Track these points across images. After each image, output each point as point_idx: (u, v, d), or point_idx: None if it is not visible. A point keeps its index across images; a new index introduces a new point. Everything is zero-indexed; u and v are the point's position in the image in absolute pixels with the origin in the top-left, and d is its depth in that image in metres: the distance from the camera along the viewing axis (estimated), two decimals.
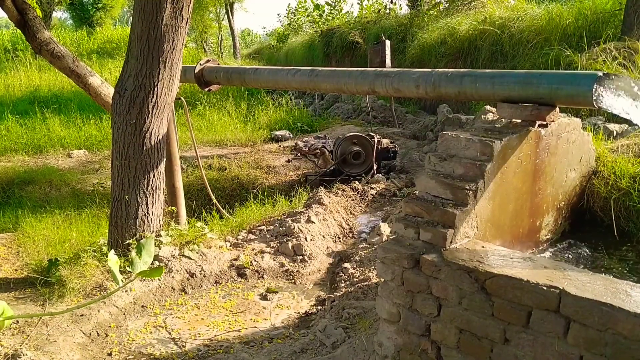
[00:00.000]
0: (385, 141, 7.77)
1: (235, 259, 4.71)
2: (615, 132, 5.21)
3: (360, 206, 6.05)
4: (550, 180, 3.32)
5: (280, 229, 5.14)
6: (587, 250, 3.37)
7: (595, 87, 2.78)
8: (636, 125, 2.84)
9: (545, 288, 2.24)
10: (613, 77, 2.86)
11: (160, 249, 4.60)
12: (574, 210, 3.66)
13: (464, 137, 2.91)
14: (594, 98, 2.79)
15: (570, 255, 3.30)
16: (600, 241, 3.52)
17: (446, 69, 3.64)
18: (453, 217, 2.68)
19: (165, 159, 4.97)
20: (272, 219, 5.63)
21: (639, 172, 3.58)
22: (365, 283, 4.01)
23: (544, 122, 3.13)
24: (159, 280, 4.35)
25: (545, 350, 2.26)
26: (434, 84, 3.56)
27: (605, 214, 3.63)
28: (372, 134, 7.72)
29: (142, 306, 4.15)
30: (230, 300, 4.25)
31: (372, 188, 6.44)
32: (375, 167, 7.32)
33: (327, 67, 4.98)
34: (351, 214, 5.84)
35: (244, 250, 4.88)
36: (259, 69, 5.38)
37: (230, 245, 5.05)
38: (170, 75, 4.59)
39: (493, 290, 2.39)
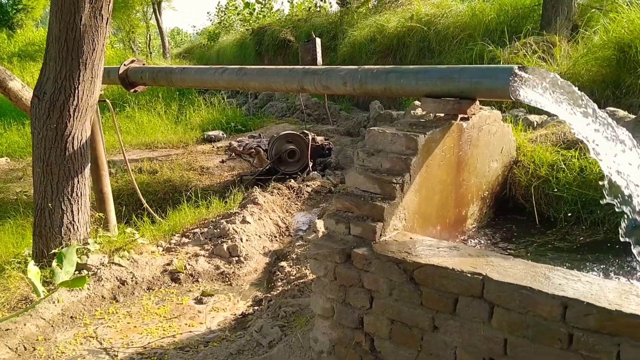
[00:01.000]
0: (319, 138, 7.82)
1: (169, 264, 4.61)
2: (535, 123, 5.46)
3: (296, 204, 6.06)
4: (473, 171, 3.44)
5: (215, 230, 5.07)
6: (510, 237, 3.52)
7: (511, 81, 2.90)
8: (554, 115, 2.98)
9: (469, 275, 2.32)
10: (528, 70, 2.98)
11: (88, 257, 4.44)
12: (497, 199, 3.81)
13: (390, 133, 2.96)
14: (511, 91, 2.90)
15: (494, 242, 3.43)
16: (522, 227, 3.68)
17: (372, 66, 3.70)
18: (382, 211, 2.73)
19: (90, 164, 4.80)
20: (206, 221, 5.55)
21: (556, 161, 3.77)
22: (302, 280, 4.02)
23: (466, 116, 3.24)
24: (88, 289, 4.19)
25: (472, 335, 2.34)
26: (360, 81, 3.61)
27: (526, 201, 3.80)
28: (307, 132, 7.75)
29: (71, 317, 3.99)
30: (164, 306, 4.15)
31: (307, 186, 6.46)
32: (310, 165, 7.35)
33: (258, 66, 4.95)
34: (287, 212, 5.84)
35: (177, 255, 4.78)
36: (186, 68, 5.28)
37: (163, 250, 4.93)
38: (92, 77, 4.43)
39: (421, 279, 2.46)
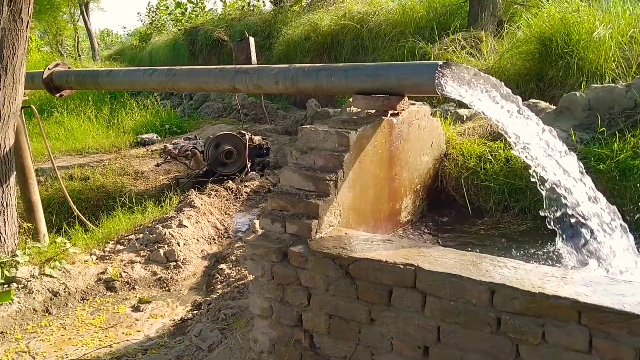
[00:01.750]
0: (257, 138, 7.78)
1: (103, 272, 4.47)
2: (465, 117, 5.63)
3: (235, 205, 6.01)
4: (405, 166, 3.52)
5: (151, 236, 4.96)
6: (443, 227, 3.63)
7: (436, 76, 2.98)
8: (479, 109, 3.09)
9: (402, 267, 2.37)
10: (452, 65, 3.08)
11: (17, 269, 4.24)
12: (430, 192, 3.92)
13: (322, 130, 2.99)
14: (436, 86, 2.99)
15: (428, 233, 3.52)
16: (454, 217, 3.80)
17: (303, 65, 3.72)
18: (316, 208, 2.75)
19: (16, 173, 4.59)
20: (142, 226, 5.41)
21: (484, 152, 3.91)
22: (242, 282, 3.99)
23: (396, 111, 3.31)
24: (19, 303, 4.01)
25: (407, 325, 2.40)
26: (292, 80, 3.62)
27: (457, 192, 3.92)
28: (244, 132, 7.69)
29: (1, 332, 3.81)
30: (99, 315, 4.03)
31: (246, 186, 6.42)
32: (248, 165, 7.31)
33: (191, 66, 4.86)
34: (226, 214, 5.79)
35: (112, 262, 4.65)
36: (113, 70, 5.13)
37: (97, 259, 4.78)
38: (14, 83, 4.23)
39: (356, 274, 2.49)
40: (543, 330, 2.10)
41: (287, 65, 3.73)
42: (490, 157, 3.82)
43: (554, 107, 4.26)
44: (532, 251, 3.13)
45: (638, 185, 3.38)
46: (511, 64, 7.18)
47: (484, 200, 3.77)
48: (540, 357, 2.12)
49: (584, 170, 2.99)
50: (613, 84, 4.13)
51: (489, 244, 3.30)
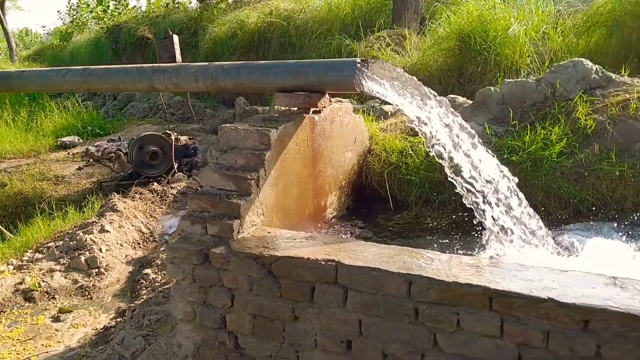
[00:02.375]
0: (183, 138, 7.60)
1: (21, 283, 4.25)
2: (389, 113, 5.74)
3: (161, 208, 5.85)
4: (329, 162, 3.55)
5: (71, 243, 4.75)
6: (368, 222, 3.69)
7: (355, 73, 3.02)
8: (396, 105, 3.16)
9: (323, 263, 2.39)
10: (371, 62, 3.12)
11: None
12: (355, 187, 3.97)
13: (242, 129, 2.96)
14: (355, 83, 3.03)
15: (353, 229, 3.57)
16: (379, 212, 3.88)
17: (223, 62, 3.67)
18: (238, 208, 2.72)
19: None
20: (62, 233, 5.17)
21: (405, 147, 4.00)
22: (167, 286, 3.89)
23: (318, 109, 3.33)
24: None
25: (330, 321, 2.42)
26: (212, 78, 3.56)
27: (381, 187, 4.00)
28: (169, 132, 7.50)
29: None
30: (17, 328, 3.82)
31: (172, 188, 6.26)
32: (175, 166, 7.13)
33: (112, 65, 4.68)
34: (152, 217, 5.62)
35: (30, 272, 4.42)
36: (26, 71, 4.88)
37: (14, 269, 4.53)
38: None
39: (279, 272, 2.49)
40: (458, 318, 2.18)
41: (206, 64, 3.67)
42: (411, 152, 3.92)
43: (471, 102, 4.42)
44: (450, 242, 3.24)
45: (548, 174, 3.57)
46: (433, 61, 7.37)
47: (406, 194, 3.86)
48: (456, 343, 2.20)
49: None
50: (525, 79, 4.33)
51: (410, 236, 3.39)
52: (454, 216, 3.58)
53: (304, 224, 3.29)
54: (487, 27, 6.63)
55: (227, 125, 3.03)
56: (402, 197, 3.92)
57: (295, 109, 3.30)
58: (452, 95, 4.81)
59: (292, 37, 10.32)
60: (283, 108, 3.45)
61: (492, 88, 4.34)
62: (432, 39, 7.83)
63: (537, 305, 2.04)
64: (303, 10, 10.52)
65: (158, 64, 3.95)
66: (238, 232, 2.71)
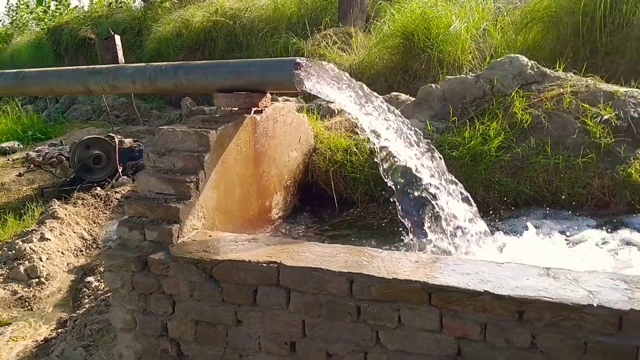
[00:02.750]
0: (127, 140, 7.41)
1: None
2: (335, 111, 5.76)
3: (104, 213, 5.68)
4: (273, 163, 3.52)
5: (10, 252, 4.55)
6: (314, 221, 3.68)
7: (295, 73, 3.00)
8: (338, 104, 3.16)
9: (265, 265, 2.37)
10: (311, 62, 3.11)
11: None
12: (301, 187, 3.96)
13: (180, 131, 2.90)
14: (296, 82, 3.01)
15: (299, 229, 3.55)
16: (325, 211, 3.88)
17: (161, 63, 3.58)
18: (177, 212, 2.66)
19: None
20: (0, 243, 4.96)
21: (349, 145, 4.01)
22: (110, 294, 3.78)
23: (259, 108, 3.30)
24: None
25: (273, 323, 2.40)
26: (150, 79, 3.47)
27: (327, 185, 3.99)
28: (113, 135, 7.30)
29: None
30: None
31: (117, 192, 6.09)
32: (120, 170, 6.95)
33: (54, 67, 4.49)
34: (95, 223, 5.46)
35: None
36: None
37: None
38: None
39: (220, 276, 2.45)
40: (399, 314, 2.19)
41: (144, 64, 3.57)
42: (355, 150, 3.93)
43: (414, 99, 4.47)
44: (394, 238, 3.27)
45: (487, 168, 3.65)
46: (379, 58, 7.44)
47: (351, 192, 3.87)
48: (398, 339, 2.21)
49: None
50: (464, 75, 4.42)
51: (356, 234, 3.40)
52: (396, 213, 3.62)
53: (248, 226, 3.25)
54: (430, 24, 6.74)
55: (165, 127, 2.96)
56: (347, 194, 3.93)
57: (236, 109, 3.26)
58: (395, 93, 4.86)
59: (238, 36, 10.22)
60: (223, 108, 3.40)
61: (433, 85, 4.40)
62: (378, 37, 7.90)
63: (474, 298, 2.07)
64: (249, 8, 10.43)
65: (94, 66, 3.82)
66: (178, 236, 2.66)
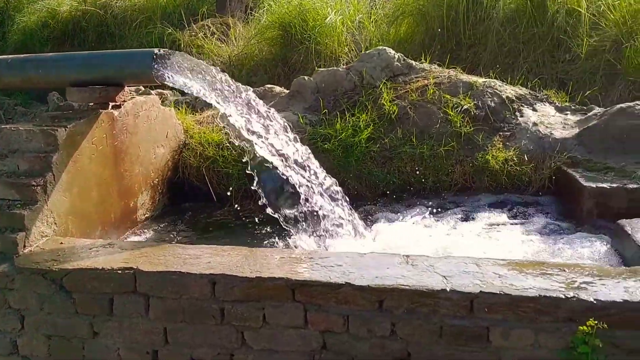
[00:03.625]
0: None
1: None
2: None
3: None
4: (137, 160, 3.33)
5: None
6: (186, 221, 3.54)
7: (154, 65, 2.84)
8: (202, 97, 3.04)
9: (120, 272, 2.23)
10: (170, 53, 2.96)
11: None
12: (171, 184, 3.79)
13: (24, 130, 2.65)
14: (155, 75, 2.85)
15: (169, 230, 3.40)
16: (198, 209, 3.74)
17: (7, 56, 3.26)
18: (22, 219, 2.43)
19: None
20: None
21: (222, 139, 3.90)
22: None
23: (117, 103, 3.10)
24: None
25: (133, 332, 2.26)
26: None
27: (200, 182, 3.85)
28: None
29: None
30: None
31: None
32: None
33: None
34: None
35: None
36: None
37: None
38: None
39: (71, 286, 2.27)
40: (264, 313, 2.15)
41: None
42: (228, 144, 3.82)
43: (287, 92, 4.44)
44: (268, 235, 3.22)
45: (358, 160, 3.71)
46: (259, 50, 7.35)
47: (225, 188, 3.75)
48: (264, 339, 2.17)
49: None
50: (336, 68, 4.45)
51: (228, 233, 3.31)
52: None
53: (110, 230, 3.05)
54: (307, 16, 6.75)
55: (7, 126, 2.71)
56: (221, 191, 3.80)
57: (92, 104, 3.03)
58: (269, 85, 4.80)
59: (110, 27, 9.66)
60: (79, 104, 3.16)
61: (306, 77, 4.40)
62: (256, 29, 7.80)
63: (336, 290, 2.07)
64: None
65: None
66: (24, 246, 2.43)
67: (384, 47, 4.38)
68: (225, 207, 3.72)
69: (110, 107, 3.04)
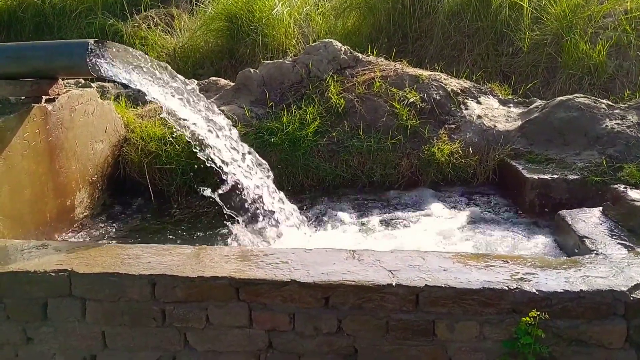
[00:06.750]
0: None
1: None
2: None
3: None
4: (73, 156, 3.18)
5: None
6: (125, 217, 3.42)
7: (88, 57, 2.71)
8: (141, 90, 2.93)
9: (54, 274, 2.11)
10: (106, 45, 2.84)
11: None
12: (111, 181, 3.65)
13: None
14: (90, 67, 2.72)
15: (108, 227, 3.27)
16: (140, 206, 3.62)
17: None
18: None
19: None
20: None
21: (165, 134, 3.78)
22: None
23: (51, 97, 2.95)
24: None
25: (69, 337, 2.16)
26: None
27: (142, 178, 3.71)
28: None
29: None
30: None
31: None
32: None
33: None
34: None
35: None
36: None
37: None
38: None
39: (1, 291, 2.14)
40: (207, 314, 2.08)
41: None
42: (171, 139, 3.71)
43: (233, 84, 4.35)
44: (213, 232, 3.14)
45: (306, 153, 3.67)
46: (204, 42, 7.20)
47: (168, 184, 3.65)
48: (208, 340, 2.11)
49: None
50: (282, 60, 4.39)
51: (171, 230, 3.22)
52: (217, 206, 3.50)
53: (45, 230, 2.90)
54: (253, 7, 6.64)
55: None
56: (165, 187, 3.69)
57: (23, 98, 2.87)
58: (214, 78, 4.69)
59: (48, 17, 9.25)
60: (14, 98, 2.98)
61: (252, 70, 4.32)
62: (202, 20, 7.63)
63: (282, 288, 2.03)
64: None
65: None
66: None
67: (331, 40, 4.35)
68: (169, 204, 3.61)
69: (43, 100, 2.89)
